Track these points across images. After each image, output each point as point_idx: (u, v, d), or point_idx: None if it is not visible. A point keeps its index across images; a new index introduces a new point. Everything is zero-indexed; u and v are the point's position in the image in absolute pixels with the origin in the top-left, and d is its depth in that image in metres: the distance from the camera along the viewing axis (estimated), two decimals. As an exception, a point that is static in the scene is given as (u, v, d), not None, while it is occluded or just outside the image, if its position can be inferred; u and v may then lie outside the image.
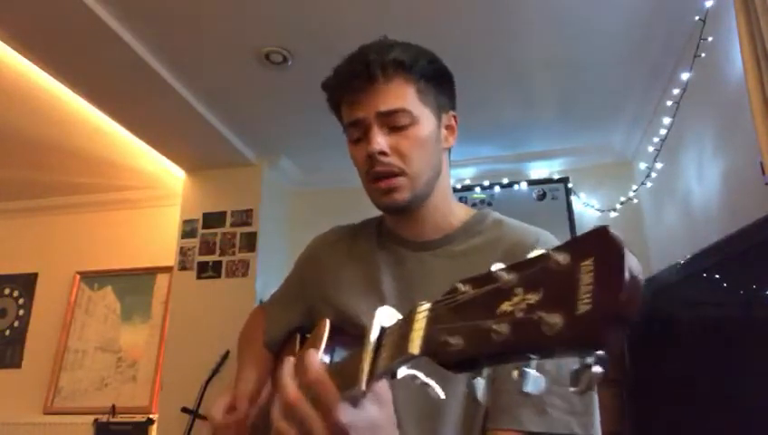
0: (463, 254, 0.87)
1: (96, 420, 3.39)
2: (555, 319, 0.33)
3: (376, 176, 0.84)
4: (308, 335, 0.99)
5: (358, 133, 0.85)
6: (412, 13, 2.24)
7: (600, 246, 0.33)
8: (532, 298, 0.35)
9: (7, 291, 3.97)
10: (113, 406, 3.43)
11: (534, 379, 0.37)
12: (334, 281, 0.96)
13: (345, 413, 0.54)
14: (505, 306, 0.37)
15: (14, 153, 3.40)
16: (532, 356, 0.36)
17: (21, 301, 3.92)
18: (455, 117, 0.93)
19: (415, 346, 0.45)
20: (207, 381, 2.97)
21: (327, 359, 0.78)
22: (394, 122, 0.83)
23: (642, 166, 2.98)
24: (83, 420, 3.41)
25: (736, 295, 1.56)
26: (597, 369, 0.33)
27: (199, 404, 2.88)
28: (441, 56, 0.91)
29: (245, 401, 0.95)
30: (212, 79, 2.68)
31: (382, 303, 0.86)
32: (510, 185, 3.40)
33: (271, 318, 1.08)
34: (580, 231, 3.18)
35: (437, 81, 0.88)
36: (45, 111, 2.92)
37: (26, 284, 3.95)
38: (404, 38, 0.93)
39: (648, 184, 2.94)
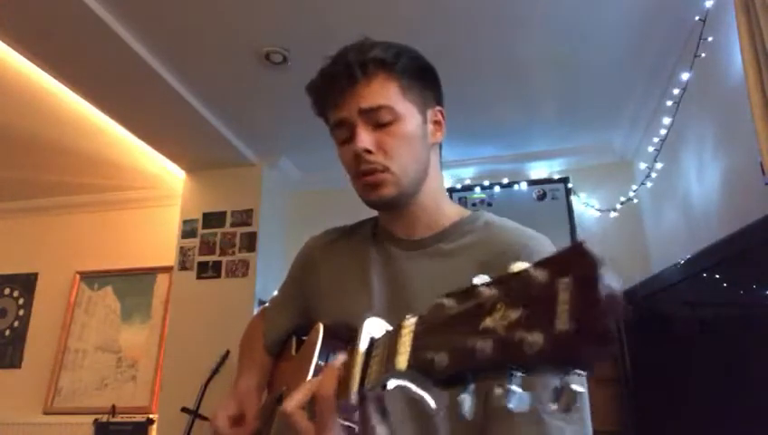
0: (451, 253, 0.86)
1: (96, 421, 3.39)
2: (536, 337, 0.33)
3: (363, 173, 0.84)
4: (304, 338, 1.00)
5: (344, 134, 0.86)
6: (412, 13, 2.24)
7: (576, 264, 0.33)
8: (513, 315, 0.35)
9: (7, 291, 3.97)
10: (113, 406, 3.43)
11: (519, 396, 0.36)
12: (328, 281, 0.96)
13: None
14: (488, 322, 0.37)
15: (14, 153, 3.40)
16: (518, 372, 0.36)
17: (21, 301, 3.92)
18: (441, 112, 0.92)
19: (402, 362, 0.45)
20: (207, 382, 2.96)
21: (322, 363, 0.78)
22: (377, 119, 0.83)
23: (642, 166, 2.98)
24: (83, 421, 3.41)
25: (736, 295, 1.56)
26: (577, 388, 0.33)
27: (199, 404, 2.88)
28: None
29: (254, 414, 0.95)
30: (212, 79, 2.68)
31: (371, 301, 0.87)
32: (510, 185, 3.40)
33: (269, 321, 1.09)
34: (580, 231, 3.18)
35: (421, 77, 0.88)
36: (45, 111, 2.92)
37: (26, 284, 3.95)
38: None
39: (648, 184, 2.94)
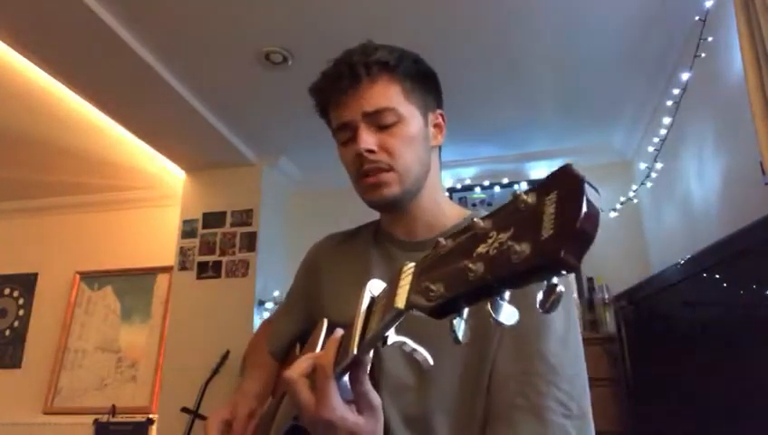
0: None
1: (96, 421, 3.39)
2: (523, 247, 0.35)
3: (365, 174, 0.84)
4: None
5: (347, 135, 0.86)
6: (412, 13, 2.24)
7: (562, 181, 0.35)
8: (504, 236, 0.37)
9: (7, 291, 3.97)
10: (113, 406, 3.43)
11: (508, 309, 0.39)
12: (331, 284, 0.97)
13: (330, 410, 0.56)
14: (481, 248, 0.39)
15: (14, 153, 3.40)
16: (506, 288, 0.38)
17: (21, 301, 3.92)
18: (442, 115, 0.93)
19: (401, 300, 0.47)
20: (207, 382, 2.97)
21: None
22: (381, 121, 0.84)
23: (642, 166, 2.98)
24: (83, 421, 3.41)
25: (736, 295, 1.56)
26: (561, 288, 0.36)
27: (199, 404, 2.88)
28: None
29: (244, 422, 0.95)
30: (212, 79, 2.68)
31: None
32: (510, 185, 3.40)
33: (274, 327, 1.10)
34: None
35: (423, 80, 0.89)
36: (45, 111, 2.92)
37: (26, 284, 3.95)
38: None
39: (648, 184, 2.94)
